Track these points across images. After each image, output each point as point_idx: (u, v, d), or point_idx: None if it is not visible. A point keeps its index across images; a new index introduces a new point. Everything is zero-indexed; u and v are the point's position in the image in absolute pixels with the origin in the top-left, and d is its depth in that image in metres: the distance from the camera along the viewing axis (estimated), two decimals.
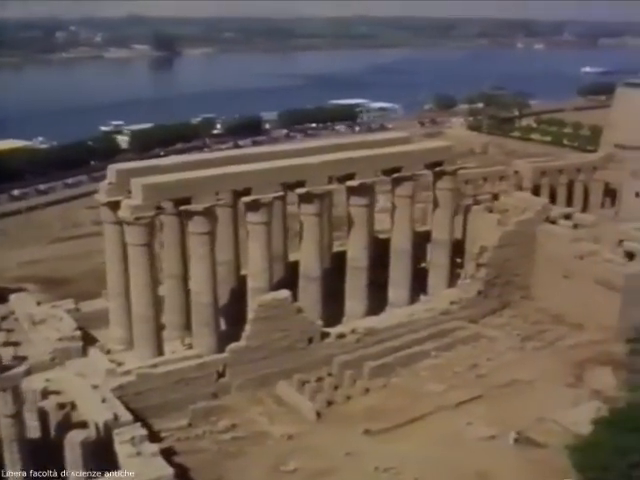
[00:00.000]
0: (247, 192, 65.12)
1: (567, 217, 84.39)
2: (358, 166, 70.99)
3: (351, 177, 70.61)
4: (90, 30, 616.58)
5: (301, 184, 68.21)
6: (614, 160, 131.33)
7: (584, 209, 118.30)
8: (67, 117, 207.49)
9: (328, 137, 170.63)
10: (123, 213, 59.89)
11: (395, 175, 74.26)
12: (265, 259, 67.75)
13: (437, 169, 77.47)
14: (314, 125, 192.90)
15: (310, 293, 70.87)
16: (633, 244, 76.25)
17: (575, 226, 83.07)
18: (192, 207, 62.15)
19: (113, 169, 64.48)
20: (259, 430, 57.66)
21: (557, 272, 77.65)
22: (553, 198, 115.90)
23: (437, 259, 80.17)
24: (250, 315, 64.14)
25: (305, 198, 68.75)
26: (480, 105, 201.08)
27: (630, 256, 75.66)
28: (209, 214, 63.08)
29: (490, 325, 74.23)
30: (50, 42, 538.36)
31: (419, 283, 78.55)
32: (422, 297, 78.28)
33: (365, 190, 71.69)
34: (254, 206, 65.92)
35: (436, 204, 79.06)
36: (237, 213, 72.73)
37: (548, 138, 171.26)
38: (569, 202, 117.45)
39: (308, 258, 70.68)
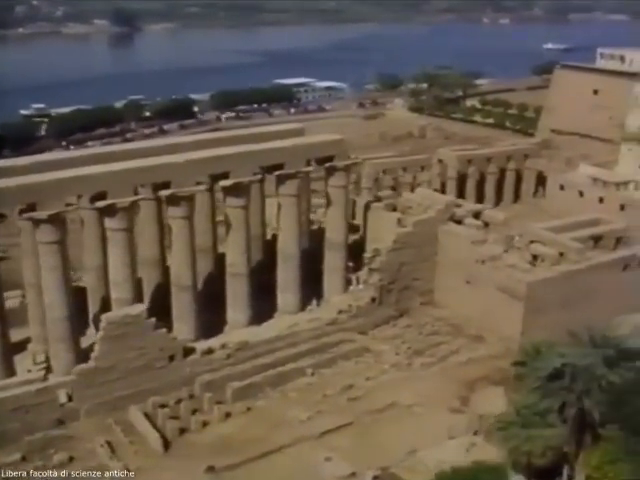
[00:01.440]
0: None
1: (477, 215, 78.10)
2: (232, 164, 64.64)
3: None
4: (51, 4, 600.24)
5: (167, 185, 61.81)
6: (551, 146, 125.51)
7: (516, 200, 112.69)
8: None
9: (260, 119, 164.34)
10: None
11: (277, 173, 67.84)
12: (127, 267, 61.90)
13: (327, 165, 71.14)
14: (249, 107, 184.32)
15: (183, 303, 64.77)
16: (540, 247, 70.23)
17: (487, 224, 77.01)
18: (36, 214, 55.98)
19: None
20: (97, 464, 51.29)
21: (459, 277, 71.68)
22: (481, 188, 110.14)
23: (332, 262, 74.21)
24: (99, 333, 57.57)
25: (172, 201, 62.23)
26: (424, 85, 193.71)
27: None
28: (57, 221, 56.73)
29: (380, 337, 68.07)
30: (9, 16, 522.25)
31: (319, 288, 72.95)
32: (309, 306, 72.02)
33: (241, 190, 65.15)
34: (110, 211, 59.55)
35: (329, 202, 72.83)
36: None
37: (491, 120, 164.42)
38: (499, 192, 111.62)
39: (179, 265, 64.43)
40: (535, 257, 70.01)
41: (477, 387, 59.89)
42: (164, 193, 61.84)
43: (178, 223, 63.34)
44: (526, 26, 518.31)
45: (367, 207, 78.70)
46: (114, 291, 62.32)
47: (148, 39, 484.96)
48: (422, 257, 73.05)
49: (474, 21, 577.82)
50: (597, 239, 75.29)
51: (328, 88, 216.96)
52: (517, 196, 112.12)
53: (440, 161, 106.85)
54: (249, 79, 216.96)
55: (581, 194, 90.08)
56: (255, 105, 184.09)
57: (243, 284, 67.46)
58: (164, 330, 59.75)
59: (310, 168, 70.19)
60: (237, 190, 64.97)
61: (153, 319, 58.94)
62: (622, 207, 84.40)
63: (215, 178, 65.29)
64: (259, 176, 67.82)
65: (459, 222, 74.86)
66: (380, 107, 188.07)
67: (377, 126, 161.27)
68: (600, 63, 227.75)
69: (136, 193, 61.06)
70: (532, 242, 72.54)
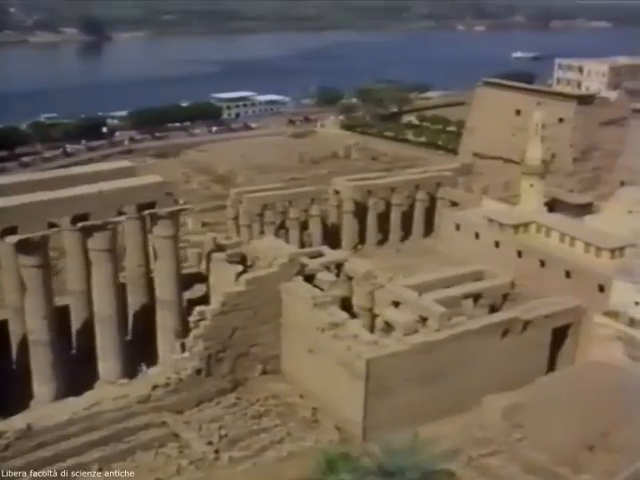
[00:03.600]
0: None
1: (338, 266, 66.98)
2: (19, 217, 53.36)
3: None
4: (26, 11, 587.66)
5: None
6: (472, 172, 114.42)
7: (427, 234, 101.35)
8: None
9: (177, 139, 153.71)
10: None
11: (81, 224, 56.91)
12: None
13: (147, 212, 60.23)
14: (174, 125, 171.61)
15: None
16: (393, 313, 59.13)
17: (350, 278, 66.02)
18: None
19: None
20: None
21: (302, 344, 60.39)
22: (385, 222, 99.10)
23: (163, 322, 63.37)
24: None
25: None
26: (356, 101, 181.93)
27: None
28: None
29: (197, 419, 56.67)
30: None
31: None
32: (141, 372, 61.50)
33: (34, 247, 54.08)
34: None
35: (156, 255, 61.95)
36: None
37: (424, 139, 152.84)
38: (406, 227, 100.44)
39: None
40: (388, 324, 58.91)
41: None
42: None
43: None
44: (503, 33, 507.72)
45: (208, 257, 67.44)
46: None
47: (116, 48, 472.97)
48: (261, 319, 61.89)
49: (449, 28, 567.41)
50: (477, 297, 64.39)
51: (270, 102, 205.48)
52: (428, 231, 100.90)
53: (337, 192, 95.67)
54: (191, 93, 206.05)
55: (477, 236, 78.77)
56: (178, 124, 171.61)
57: (46, 354, 57.09)
58: None
59: (121, 218, 59.07)
60: (28, 247, 53.96)
61: None
62: (519, 254, 73.17)
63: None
64: (56, 229, 56.77)
65: (311, 277, 63.76)
66: (312, 124, 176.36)
67: (303, 145, 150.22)
68: (558, 74, 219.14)
69: None
70: (393, 303, 61.62)
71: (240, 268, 64.50)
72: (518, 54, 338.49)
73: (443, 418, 55.32)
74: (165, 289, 62.71)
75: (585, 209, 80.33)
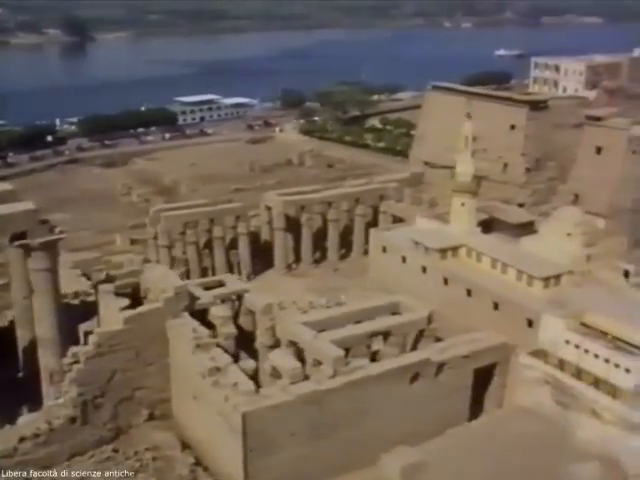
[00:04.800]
0: None
1: (238, 297, 60.62)
2: None
3: None
4: (12, 13, 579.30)
5: None
6: (424, 181, 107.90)
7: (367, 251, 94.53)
8: None
9: (128, 147, 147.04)
10: None
11: None
12: None
13: (17, 244, 53.98)
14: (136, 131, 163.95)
15: None
16: (278, 358, 52.62)
17: (252, 312, 59.69)
18: None
19: None
20: None
21: (188, 388, 54.03)
22: (323, 239, 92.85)
23: (45, 363, 56.87)
24: None
25: None
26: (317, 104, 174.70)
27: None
28: None
29: (65, 477, 50.39)
30: None
31: None
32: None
33: None
34: None
35: (31, 289, 55.73)
36: None
37: (383, 144, 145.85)
38: (347, 243, 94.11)
39: None
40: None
41: None
42: None
43: None
44: (491, 30, 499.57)
45: (95, 288, 61.03)
46: None
47: (98, 49, 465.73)
48: (146, 360, 55.58)
49: (437, 26, 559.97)
50: (386, 335, 57.87)
51: (236, 105, 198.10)
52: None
53: (268, 208, 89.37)
54: (157, 96, 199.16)
55: (404, 260, 72.11)
56: (132, 130, 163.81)
57: None
58: None
59: None
60: None
61: None
62: (446, 281, 66.59)
63: None
64: None
65: (203, 312, 57.42)
66: (271, 129, 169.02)
67: (258, 152, 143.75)
68: (535, 73, 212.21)
69: None
70: (290, 343, 55.25)
71: (126, 302, 58.15)
72: (501, 52, 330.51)
73: (337, 477, 49.13)
74: (42, 326, 56.68)
75: (526, 229, 73.53)
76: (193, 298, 57.21)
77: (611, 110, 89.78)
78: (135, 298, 60.46)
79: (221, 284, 61.92)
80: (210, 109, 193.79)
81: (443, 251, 67.66)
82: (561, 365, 54.67)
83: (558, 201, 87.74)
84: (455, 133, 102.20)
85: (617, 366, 50.94)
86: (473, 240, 67.93)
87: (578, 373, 53.25)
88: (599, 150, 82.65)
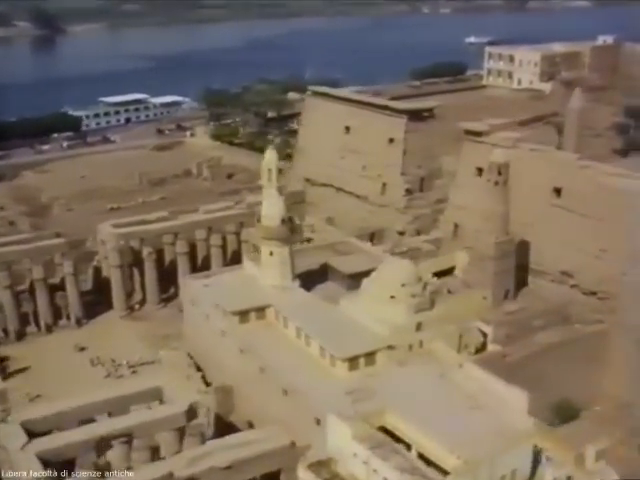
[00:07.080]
0: None
1: None
2: None
3: None
4: None
5: None
6: (306, 201, 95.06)
7: None
8: None
9: (21, 157, 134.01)
10: None
11: None
12: None
13: None
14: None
15: None
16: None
17: None
18: None
19: None
20: None
21: None
22: (172, 275, 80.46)
23: None
24: None
25: None
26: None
27: None
28: None
29: None
30: None
31: None
32: None
33: None
34: None
35: None
36: None
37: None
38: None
39: None
40: None
41: None
42: None
43: None
44: (473, 16, 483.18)
45: None
46: None
47: (67, 42, 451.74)
48: None
49: (416, 11, 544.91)
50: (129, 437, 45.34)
51: (166, 104, 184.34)
52: None
53: (103, 242, 76.94)
54: (83, 96, 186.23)
55: (208, 319, 59.42)
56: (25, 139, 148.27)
57: None
58: None
59: None
60: None
61: None
62: (242, 351, 54.06)
63: None
64: None
65: None
66: (182, 134, 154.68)
67: (161, 161, 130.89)
68: (489, 64, 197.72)
69: None
70: None
71: None
72: (472, 39, 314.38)
73: None
74: None
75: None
76: None
77: (500, 124, 76.37)
78: None
79: None
80: (137, 109, 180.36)
81: (243, 314, 54.86)
82: None
83: (437, 232, 75.22)
84: (334, 146, 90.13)
85: None
86: (282, 299, 55.11)
87: None
88: (480, 172, 69.77)
